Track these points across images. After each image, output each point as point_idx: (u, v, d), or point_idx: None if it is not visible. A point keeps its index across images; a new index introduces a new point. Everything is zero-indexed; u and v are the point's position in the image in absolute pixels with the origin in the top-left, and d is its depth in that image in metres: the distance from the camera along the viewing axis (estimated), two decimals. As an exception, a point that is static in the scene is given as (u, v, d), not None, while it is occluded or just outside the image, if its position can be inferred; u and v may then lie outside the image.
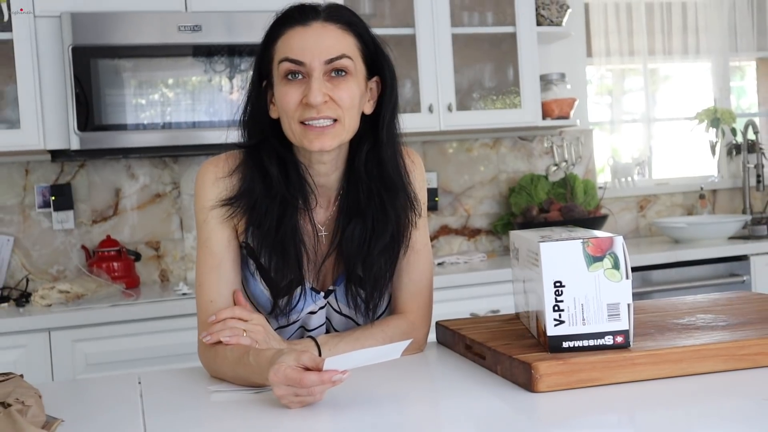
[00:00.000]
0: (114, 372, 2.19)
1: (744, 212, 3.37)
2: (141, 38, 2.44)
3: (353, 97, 1.24)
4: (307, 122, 1.23)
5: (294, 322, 1.37)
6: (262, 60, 1.29)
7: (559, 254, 1.04)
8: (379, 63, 1.29)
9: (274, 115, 1.29)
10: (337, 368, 1.00)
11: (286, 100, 1.23)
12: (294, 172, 1.30)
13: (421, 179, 1.40)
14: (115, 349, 2.26)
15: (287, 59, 1.22)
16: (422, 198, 1.40)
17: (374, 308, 1.36)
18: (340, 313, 1.38)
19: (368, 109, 1.30)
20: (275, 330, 1.38)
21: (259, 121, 1.29)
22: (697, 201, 3.44)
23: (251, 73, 1.31)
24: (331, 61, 1.21)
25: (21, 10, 2.40)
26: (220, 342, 1.24)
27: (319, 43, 1.21)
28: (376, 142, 1.30)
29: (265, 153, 1.29)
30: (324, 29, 1.22)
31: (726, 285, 2.78)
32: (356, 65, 1.25)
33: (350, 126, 1.26)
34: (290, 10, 1.25)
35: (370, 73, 1.29)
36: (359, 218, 1.31)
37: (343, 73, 1.23)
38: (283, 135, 1.28)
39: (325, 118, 1.22)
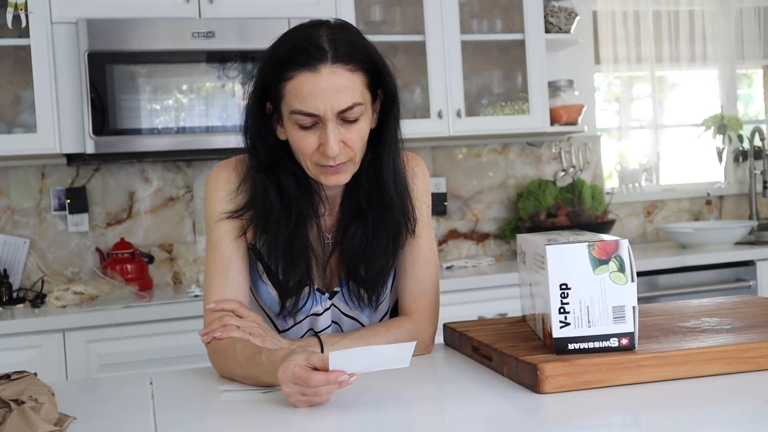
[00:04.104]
0: (127, 372, 2.21)
1: (750, 218, 3.37)
2: (155, 44, 2.47)
3: (364, 136, 1.27)
4: (322, 164, 1.26)
5: (300, 322, 1.39)
6: (266, 90, 1.26)
7: (565, 257, 1.05)
8: (382, 78, 1.28)
9: (282, 136, 1.29)
10: (343, 367, 1.02)
11: (303, 145, 1.24)
12: (306, 187, 1.33)
13: (423, 182, 1.41)
14: (128, 350, 2.28)
15: (301, 112, 1.21)
16: (426, 200, 1.42)
17: (377, 305, 1.39)
18: (346, 315, 1.40)
19: (372, 124, 1.30)
20: (282, 332, 1.41)
21: (268, 142, 1.30)
22: (704, 207, 3.44)
23: (249, 92, 1.29)
24: (343, 111, 1.22)
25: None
26: (225, 339, 1.26)
27: (331, 94, 1.20)
28: (377, 153, 1.32)
29: (281, 172, 1.31)
30: (333, 75, 1.20)
31: (732, 290, 2.78)
32: (366, 104, 1.25)
33: (361, 157, 1.29)
34: (296, 51, 1.21)
35: (375, 90, 1.28)
36: (360, 221, 1.34)
37: (355, 120, 1.24)
38: (292, 153, 1.30)
39: (341, 163, 1.25)
